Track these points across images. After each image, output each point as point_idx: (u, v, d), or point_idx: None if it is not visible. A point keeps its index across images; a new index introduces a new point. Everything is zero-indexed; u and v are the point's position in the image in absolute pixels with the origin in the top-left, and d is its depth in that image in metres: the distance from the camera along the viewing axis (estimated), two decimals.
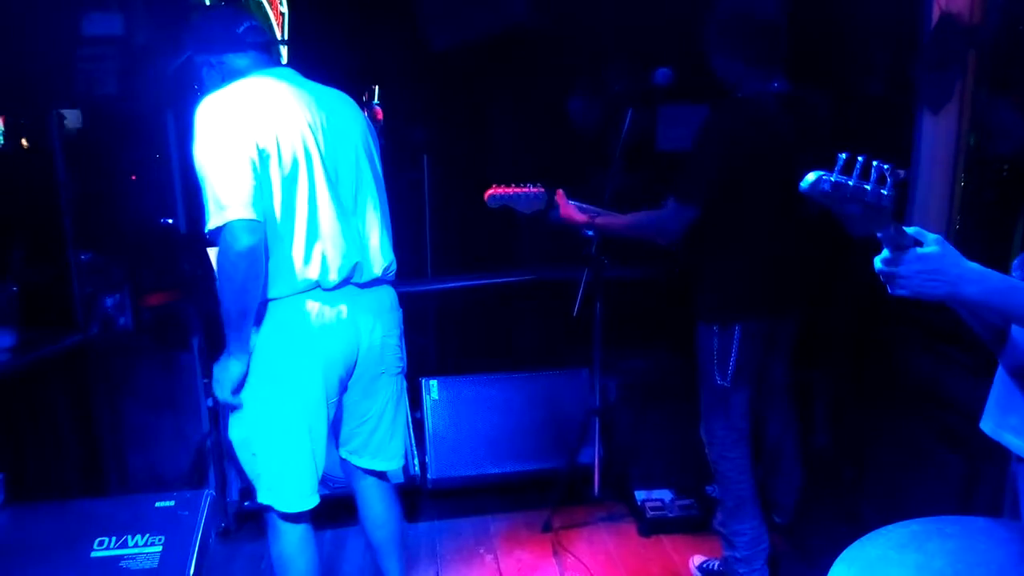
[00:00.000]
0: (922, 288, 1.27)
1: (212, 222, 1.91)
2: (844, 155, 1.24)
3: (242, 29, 2.08)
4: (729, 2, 2.42)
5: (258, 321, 2.06)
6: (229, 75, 2.09)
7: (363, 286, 2.14)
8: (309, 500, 2.13)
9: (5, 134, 3.13)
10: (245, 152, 1.92)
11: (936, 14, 3.26)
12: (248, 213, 1.90)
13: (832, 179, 1.23)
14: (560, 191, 2.69)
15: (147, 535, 1.42)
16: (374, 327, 2.17)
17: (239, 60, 2.10)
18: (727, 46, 2.42)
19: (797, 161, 2.40)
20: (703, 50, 2.50)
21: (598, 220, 2.62)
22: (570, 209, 2.66)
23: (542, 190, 2.65)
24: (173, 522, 1.45)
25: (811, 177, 1.25)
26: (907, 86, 3.42)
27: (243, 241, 1.90)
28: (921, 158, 3.37)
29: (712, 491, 3.07)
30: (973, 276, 1.26)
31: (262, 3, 2.65)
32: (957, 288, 1.26)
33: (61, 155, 2.97)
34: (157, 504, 1.51)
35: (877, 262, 1.30)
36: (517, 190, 2.63)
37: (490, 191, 2.63)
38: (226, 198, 1.90)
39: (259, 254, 1.93)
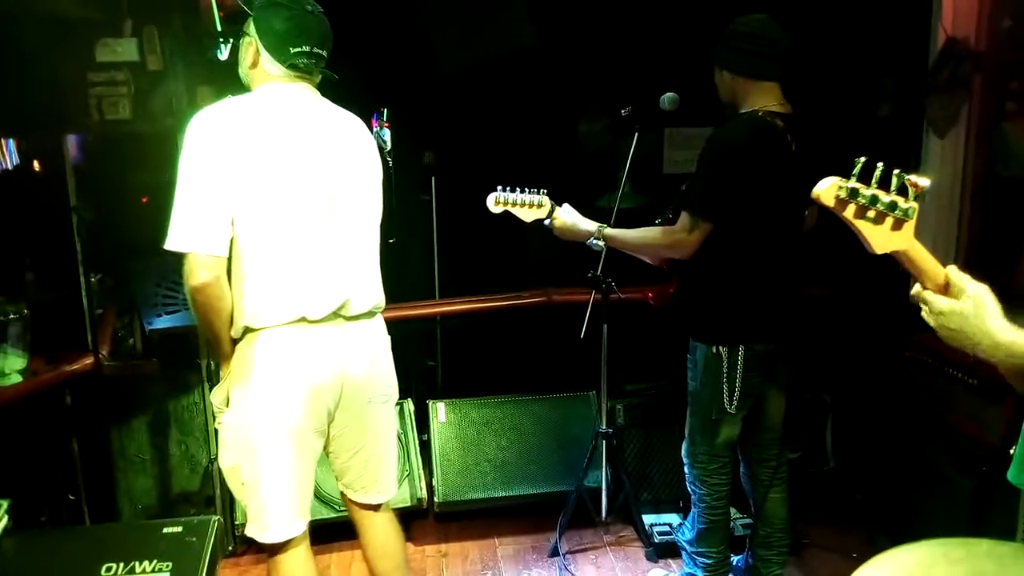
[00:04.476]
0: (943, 336, 1.23)
1: (171, 243, 1.90)
2: (862, 159, 1.14)
3: (296, 50, 2.01)
4: (742, 21, 2.43)
5: (243, 351, 2.03)
6: (260, 69, 2.05)
7: (349, 319, 2.11)
8: (290, 529, 2.08)
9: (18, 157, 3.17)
10: (223, 182, 1.89)
11: (942, 38, 3.28)
12: (207, 248, 1.89)
13: (848, 185, 1.13)
14: (566, 204, 2.64)
15: (155, 561, 1.42)
16: (360, 358, 2.13)
17: (273, 67, 2.04)
18: (738, 61, 2.42)
19: (801, 180, 2.42)
20: (711, 67, 2.51)
21: (607, 231, 2.57)
22: (578, 218, 2.61)
23: (546, 198, 2.59)
24: (181, 548, 1.45)
25: (825, 183, 1.16)
26: (915, 109, 3.44)
27: (198, 277, 1.89)
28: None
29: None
30: (994, 341, 1.21)
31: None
32: (976, 350, 1.22)
33: (72, 178, 3.00)
34: (165, 530, 1.51)
35: (912, 290, 1.26)
36: (520, 196, 2.58)
37: (493, 195, 2.56)
38: (190, 227, 1.88)
39: (215, 289, 1.92)
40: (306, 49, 2.02)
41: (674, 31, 3.67)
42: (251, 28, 2.05)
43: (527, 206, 2.57)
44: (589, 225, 2.59)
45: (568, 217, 2.60)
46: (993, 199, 3.27)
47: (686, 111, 2.74)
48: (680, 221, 2.41)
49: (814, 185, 1.18)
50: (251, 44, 2.05)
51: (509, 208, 2.57)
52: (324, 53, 2.07)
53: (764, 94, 2.41)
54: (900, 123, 3.58)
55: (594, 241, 2.58)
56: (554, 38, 3.74)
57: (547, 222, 2.60)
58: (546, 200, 2.59)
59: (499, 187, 2.57)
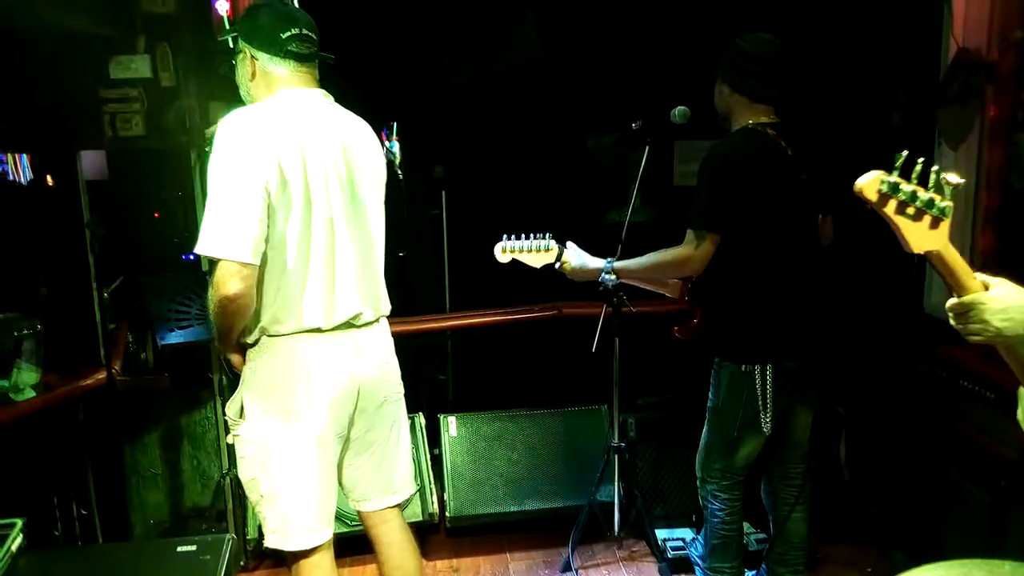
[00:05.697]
0: (1001, 327, 1.20)
1: (203, 248, 1.86)
2: (904, 153, 1.13)
3: (286, 35, 2.01)
4: (746, 41, 2.45)
5: (259, 361, 2.04)
6: (262, 77, 2.06)
7: (360, 327, 2.13)
8: (315, 536, 2.07)
9: (31, 172, 3.19)
10: (259, 188, 1.88)
11: (953, 48, 3.27)
12: (244, 257, 1.86)
13: (890, 180, 1.12)
14: (570, 242, 2.68)
15: None
16: (372, 362, 2.15)
17: (274, 66, 2.05)
18: (738, 79, 2.45)
19: (803, 186, 2.43)
20: (714, 82, 2.54)
21: (617, 264, 2.62)
22: (586, 258, 2.66)
23: (552, 242, 2.64)
24: (195, 566, 1.45)
25: (867, 176, 1.15)
26: (926, 119, 3.42)
27: (231, 286, 1.87)
28: None
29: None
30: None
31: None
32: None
33: (86, 194, 3.02)
34: (179, 549, 1.50)
35: (948, 303, 1.24)
36: (527, 243, 2.62)
37: (499, 244, 2.62)
38: (227, 233, 1.85)
39: (247, 299, 1.91)
40: (296, 32, 2.03)
41: (685, 44, 3.68)
42: (240, 43, 2.08)
43: (534, 252, 2.63)
44: (598, 263, 2.65)
45: (577, 260, 2.65)
46: (1007, 212, 3.25)
47: (697, 124, 2.74)
48: (686, 238, 2.43)
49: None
50: (244, 55, 2.07)
51: (516, 256, 2.64)
52: (314, 36, 2.08)
53: (756, 112, 2.46)
54: (911, 133, 3.56)
55: (606, 277, 2.65)
56: (565, 51, 3.75)
57: (557, 266, 2.66)
58: (553, 244, 2.64)
59: (504, 236, 2.62)
